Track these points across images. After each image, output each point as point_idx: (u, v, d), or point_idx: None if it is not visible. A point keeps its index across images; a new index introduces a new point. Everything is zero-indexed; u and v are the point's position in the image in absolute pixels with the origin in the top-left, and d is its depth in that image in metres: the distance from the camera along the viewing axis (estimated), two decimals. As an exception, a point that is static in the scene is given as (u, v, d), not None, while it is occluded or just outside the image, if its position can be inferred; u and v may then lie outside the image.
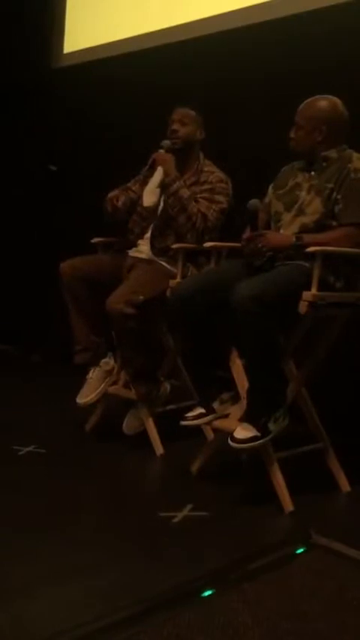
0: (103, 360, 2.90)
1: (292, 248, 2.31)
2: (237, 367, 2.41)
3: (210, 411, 2.44)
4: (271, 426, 2.24)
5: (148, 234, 2.95)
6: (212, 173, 2.90)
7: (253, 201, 2.42)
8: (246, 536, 2.09)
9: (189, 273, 2.77)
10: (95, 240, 3.13)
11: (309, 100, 2.46)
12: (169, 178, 2.83)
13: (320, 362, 2.46)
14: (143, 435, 2.85)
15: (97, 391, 2.88)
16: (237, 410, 2.40)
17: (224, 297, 2.20)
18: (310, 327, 2.32)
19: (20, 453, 2.69)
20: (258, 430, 2.23)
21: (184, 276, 2.73)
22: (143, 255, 2.95)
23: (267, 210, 2.55)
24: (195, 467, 2.56)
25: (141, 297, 2.66)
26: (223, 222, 2.85)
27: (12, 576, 1.75)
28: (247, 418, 2.27)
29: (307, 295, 2.21)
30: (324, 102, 2.44)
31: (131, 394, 2.86)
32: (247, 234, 2.43)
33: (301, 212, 2.42)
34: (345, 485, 2.49)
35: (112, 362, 2.92)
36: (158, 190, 2.94)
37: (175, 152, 2.89)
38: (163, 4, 3.98)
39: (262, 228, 2.45)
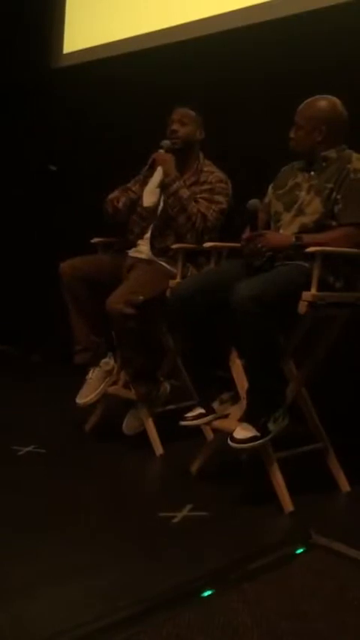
0: (103, 360, 2.90)
1: (291, 248, 2.32)
2: (237, 367, 2.41)
3: (210, 411, 2.44)
4: (271, 426, 2.24)
5: (147, 235, 2.95)
6: (212, 173, 2.89)
7: (253, 201, 2.42)
8: (246, 536, 2.09)
9: (189, 274, 2.77)
10: (95, 240, 3.13)
11: (309, 100, 2.47)
12: (169, 178, 2.83)
13: (320, 362, 2.46)
14: (143, 435, 2.85)
15: (97, 391, 2.88)
16: (237, 410, 2.40)
17: (224, 298, 2.20)
18: (310, 327, 2.33)
19: (20, 453, 2.70)
20: (258, 430, 2.23)
21: (183, 277, 2.73)
22: (143, 256, 2.95)
23: (267, 211, 2.55)
24: (195, 467, 2.56)
25: (141, 298, 2.66)
26: (223, 222, 2.85)
27: (12, 576, 1.76)
28: (246, 418, 2.27)
29: (306, 295, 2.21)
30: (324, 102, 2.44)
31: (131, 394, 2.86)
32: (246, 234, 2.43)
33: (300, 212, 2.42)
34: (345, 485, 2.49)
35: (112, 362, 2.92)
36: (158, 190, 2.94)
37: (175, 152, 2.89)
38: (162, 4, 3.98)
39: (262, 229, 2.44)
